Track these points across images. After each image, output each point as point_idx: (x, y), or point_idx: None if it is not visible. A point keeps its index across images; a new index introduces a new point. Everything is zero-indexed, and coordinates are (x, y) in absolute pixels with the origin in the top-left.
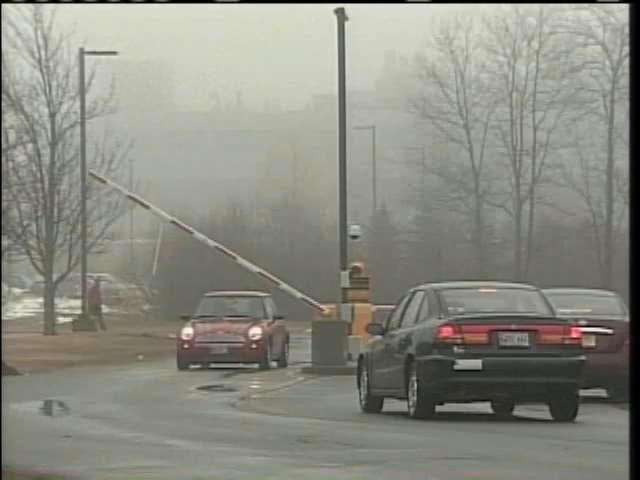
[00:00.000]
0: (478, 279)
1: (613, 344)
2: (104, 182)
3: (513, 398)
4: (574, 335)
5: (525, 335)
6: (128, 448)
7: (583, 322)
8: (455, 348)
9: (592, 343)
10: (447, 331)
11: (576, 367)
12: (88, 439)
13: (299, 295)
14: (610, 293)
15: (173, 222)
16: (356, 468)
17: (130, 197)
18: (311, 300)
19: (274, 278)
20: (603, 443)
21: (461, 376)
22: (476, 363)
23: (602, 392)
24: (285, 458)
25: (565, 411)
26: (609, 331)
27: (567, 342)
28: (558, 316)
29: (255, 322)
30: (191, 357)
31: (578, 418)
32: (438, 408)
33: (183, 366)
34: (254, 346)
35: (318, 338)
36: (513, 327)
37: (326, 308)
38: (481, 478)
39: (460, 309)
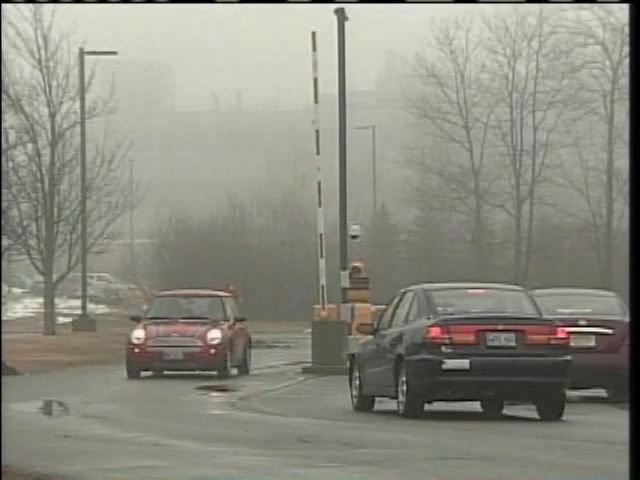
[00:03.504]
0: (478, 279)
1: (613, 344)
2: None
3: (500, 397)
4: (560, 335)
5: (512, 335)
6: (127, 448)
7: (583, 322)
8: (443, 348)
9: (592, 343)
10: (435, 331)
11: (562, 367)
12: (87, 439)
13: (323, 282)
14: (610, 293)
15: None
16: (355, 468)
17: None
18: (325, 294)
19: (323, 248)
20: (603, 443)
21: (449, 375)
22: (463, 363)
23: (602, 392)
24: (284, 458)
25: (552, 410)
26: (609, 331)
27: (553, 342)
28: (544, 316)
29: (214, 324)
30: (142, 363)
31: (578, 418)
32: (435, 408)
33: (133, 374)
34: (212, 351)
35: (318, 338)
36: (500, 327)
37: (325, 309)
38: (481, 478)
39: (449, 309)
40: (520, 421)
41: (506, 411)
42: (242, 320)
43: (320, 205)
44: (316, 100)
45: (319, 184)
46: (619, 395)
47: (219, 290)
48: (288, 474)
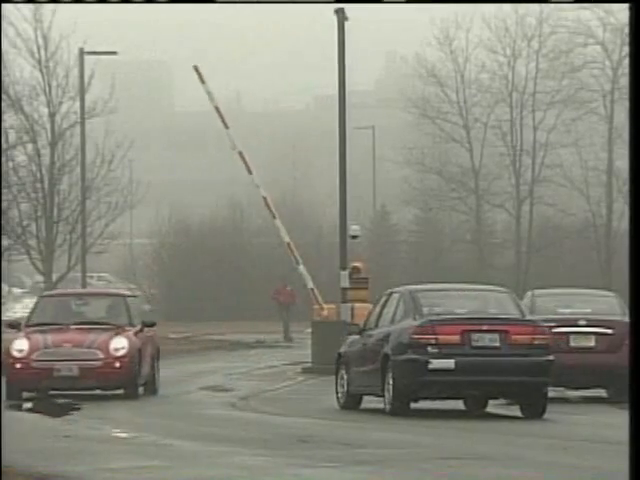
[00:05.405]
0: (478, 279)
1: (613, 344)
2: (203, 82)
3: (484, 396)
4: (543, 336)
5: (496, 336)
6: (128, 448)
7: (583, 322)
8: (429, 348)
9: (592, 343)
10: (421, 332)
11: (545, 367)
12: (88, 439)
13: (310, 285)
14: (610, 293)
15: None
16: (355, 468)
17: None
18: (317, 294)
19: (297, 255)
20: (603, 443)
21: (435, 375)
22: (449, 363)
23: (602, 392)
24: (284, 458)
25: (534, 409)
26: (609, 331)
27: (536, 342)
28: (528, 317)
29: (117, 331)
30: (26, 382)
31: (578, 418)
32: (432, 407)
33: (14, 395)
34: (117, 365)
35: (318, 338)
36: (484, 328)
37: (325, 309)
38: (481, 478)
39: (435, 310)
40: (519, 421)
41: (491, 409)
42: (151, 325)
43: (275, 217)
44: (226, 126)
45: (265, 199)
46: (619, 395)
47: (277, 290)
48: (288, 474)
